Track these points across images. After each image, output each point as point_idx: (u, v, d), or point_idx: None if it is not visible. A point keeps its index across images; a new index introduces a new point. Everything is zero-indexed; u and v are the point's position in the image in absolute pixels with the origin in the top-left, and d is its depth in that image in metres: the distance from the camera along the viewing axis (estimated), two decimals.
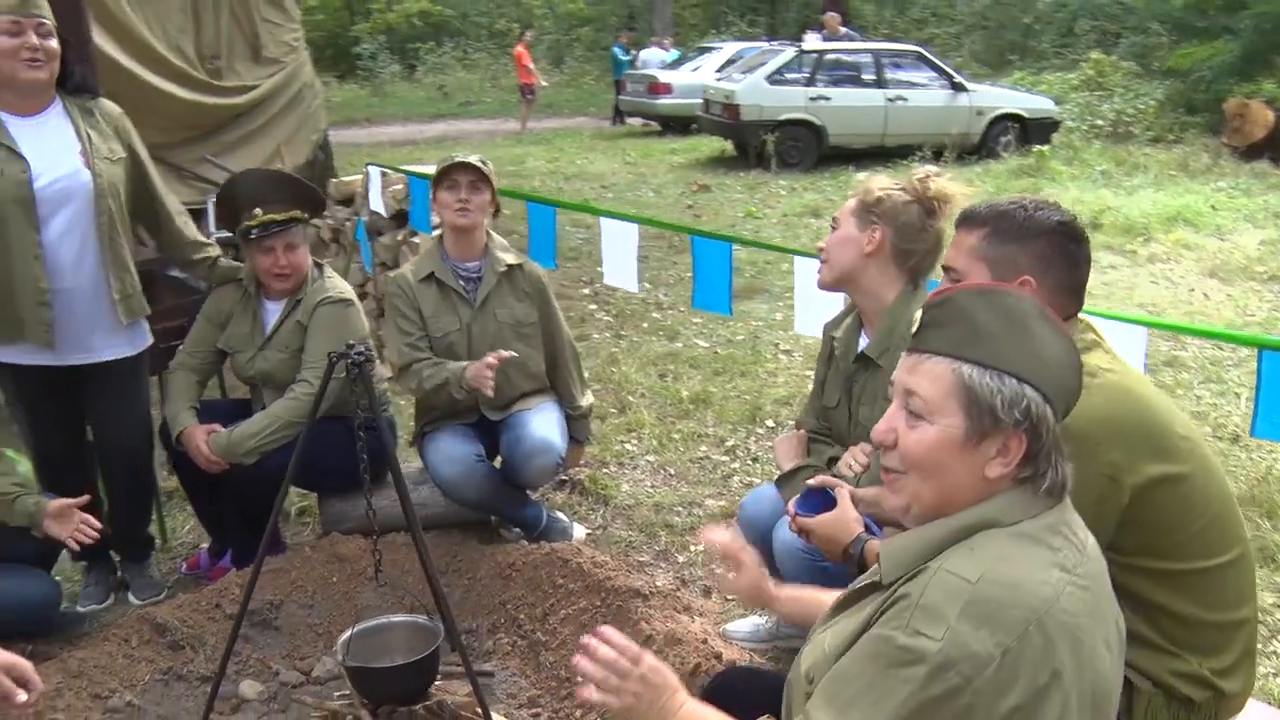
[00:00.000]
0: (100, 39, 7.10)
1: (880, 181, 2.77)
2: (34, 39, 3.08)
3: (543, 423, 3.64)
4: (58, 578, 3.78)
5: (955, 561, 1.42)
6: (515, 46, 19.64)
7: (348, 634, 2.82)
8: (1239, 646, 1.98)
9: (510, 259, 3.79)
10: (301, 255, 3.57)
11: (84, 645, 3.11)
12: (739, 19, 28.40)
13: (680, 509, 4.07)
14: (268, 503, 3.59)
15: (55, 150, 3.20)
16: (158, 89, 7.59)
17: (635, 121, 18.80)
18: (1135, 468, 1.88)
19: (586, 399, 3.97)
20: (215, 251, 3.76)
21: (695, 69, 17.51)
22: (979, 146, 13.10)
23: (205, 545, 3.88)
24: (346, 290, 3.70)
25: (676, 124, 17.04)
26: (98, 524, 3.15)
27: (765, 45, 15.80)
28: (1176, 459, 1.92)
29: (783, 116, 12.79)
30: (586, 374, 4.13)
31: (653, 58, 19.79)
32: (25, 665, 2.30)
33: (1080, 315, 2.07)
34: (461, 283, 3.74)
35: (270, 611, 3.37)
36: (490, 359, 3.42)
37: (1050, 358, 1.48)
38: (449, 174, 3.66)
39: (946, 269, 2.11)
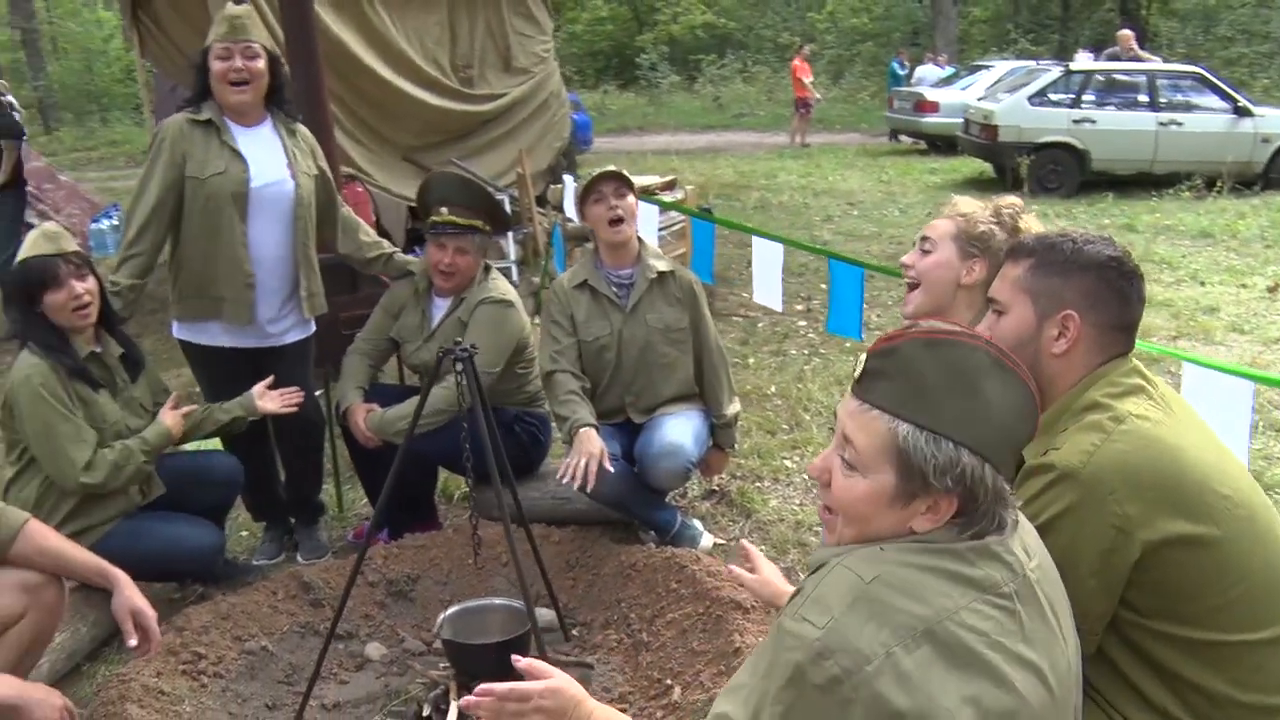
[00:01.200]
0: (361, 50, 7.77)
1: (973, 207, 2.70)
2: (239, 61, 3.49)
3: (678, 428, 3.75)
4: (244, 533, 4.24)
5: (856, 559, 1.44)
6: (793, 60, 19.69)
7: (448, 611, 3.04)
8: None
9: (662, 265, 3.92)
10: (468, 260, 3.81)
11: (240, 593, 3.46)
12: (1023, 36, 27.33)
13: (818, 529, 4.09)
14: (421, 482, 3.93)
15: (268, 158, 3.63)
16: (412, 96, 8.20)
17: (907, 139, 18.51)
18: (1151, 523, 1.76)
19: (733, 407, 4.05)
20: (389, 248, 4.07)
21: (965, 87, 17.05)
22: (1261, 176, 12.14)
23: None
24: (509, 292, 3.93)
25: (943, 143, 16.66)
26: (299, 396, 3.69)
27: (1033, 65, 15.20)
28: (1207, 519, 1.78)
29: (1043, 139, 12.30)
30: (772, 389, 4.18)
31: (927, 74, 19.44)
32: (151, 617, 2.62)
33: (1129, 359, 1.96)
34: (614, 289, 3.90)
35: (407, 584, 3.63)
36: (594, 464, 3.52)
37: (995, 417, 1.45)
38: (595, 185, 3.81)
39: (990, 300, 2.07)
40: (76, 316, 3.25)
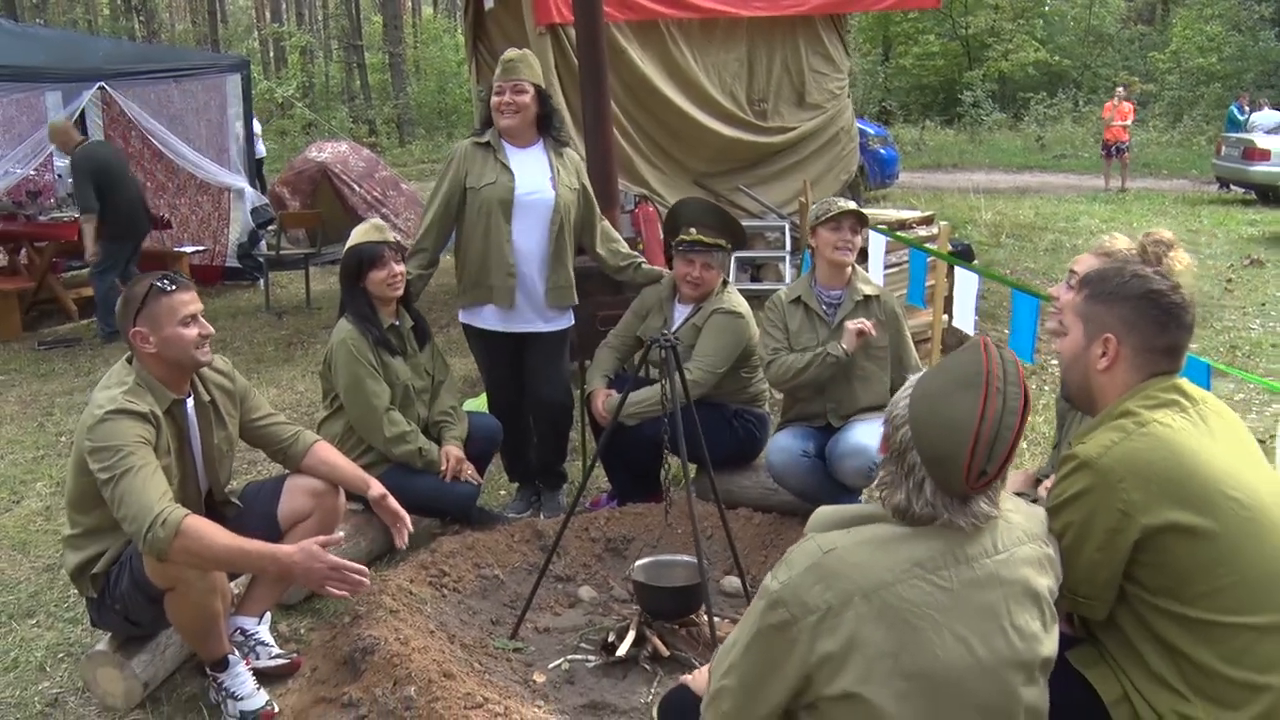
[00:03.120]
0: (663, 83, 8.55)
1: (1124, 244, 2.93)
2: (509, 96, 4.30)
3: (867, 431, 4.18)
4: (502, 491, 5.00)
5: (826, 535, 1.87)
6: (1112, 100, 19.05)
7: (642, 560, 3.65)
8: (1256, 709, 2.05)
9: (869, 289, 4.37)
10: (712, 274, 4.42)
11: (485, 532, 4.20)
12: None
13: None
14: (646, 461, 4.54)
15: (533, 172, 4.39)
16: (706, 126, 8.93)
17: (1238, 189, 17.47)
18: (1152, 509, 2.06)
19: None
20: (638, 259, 4.72)
21: None
22: None
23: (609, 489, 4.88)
24: (741, 305, 4.50)
25: (1273, 194, 15.72)
26: (477, 477, 4.33)
27: None
28: (1207, 514, 2.06)
29: None
30: None
31: (1265, 120, 18.23)
32: (364, 576, 3.12)
33: (1174, 377, 2.26)
34: (824, 307, 4.38)
35: (623, 543, 4.27)
36: (861, 327, 4.10)
37: (941, 417, 1.83)
38: (838, 218, 4.30)
39: (1058, 322, 2.44)
40: (390, 290, 4.19)
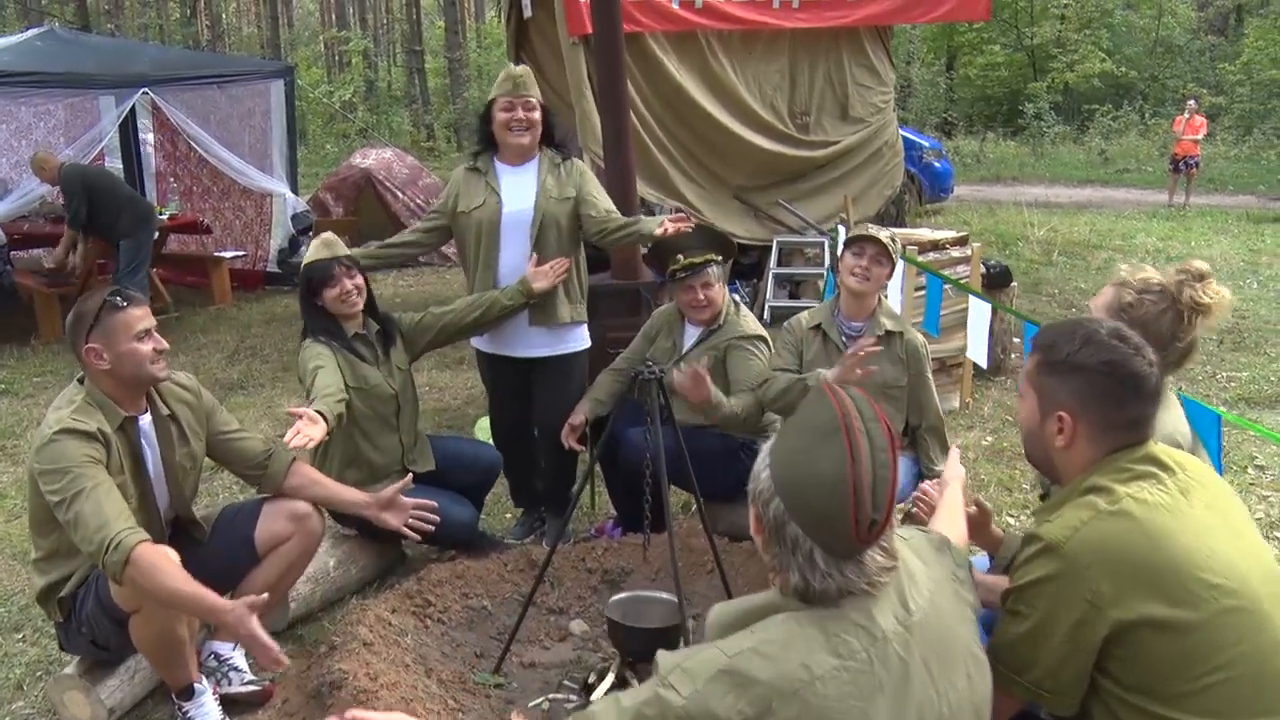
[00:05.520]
0: (701, 95, 8.44)
1: (1149, 273, 2.69)
2: (520, 113, 4.16)
3: None
4: (507, 515, 4.89)
5: (730, 639, 1.67)
6: (1183, 114, 18.53)
7: (620, 595, 3.52)
8: None
9: (891, 325, 4.19)
10: (714, 291, 4.28)
11: (478, 559, 4.09)
12: None
13: None
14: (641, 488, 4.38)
15: (521, 190, 4.28)
16: (746, 139, 8.78)
17: None
18: (1124, 602, 1.87)
19: (941, 465, 4.25)
20: (632, 220, 4.40)
21: None
22: None
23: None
24: (757, 327, 4.36)
25: None
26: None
27: None
28: (1186, 605, 1.86)
29: None
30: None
31: None
32: (279, 661, 3.02)
33: (1145, 445, 2.04)
34: (843, 338, 4.22)
35: (620, 575, 4.13)
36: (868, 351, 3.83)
37: (808, 473, 1.64)
38: (859, 241, 4.14)
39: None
40: (346, 306, 4.08)
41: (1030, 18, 31.18)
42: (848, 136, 9.36)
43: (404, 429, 4.24)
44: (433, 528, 3.70)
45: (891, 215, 9.75)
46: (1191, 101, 19.03)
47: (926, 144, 15.76)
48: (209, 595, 2.81)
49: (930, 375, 4.25)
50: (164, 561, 2.80)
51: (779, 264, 8.99)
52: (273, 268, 11.06)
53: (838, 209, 8.98)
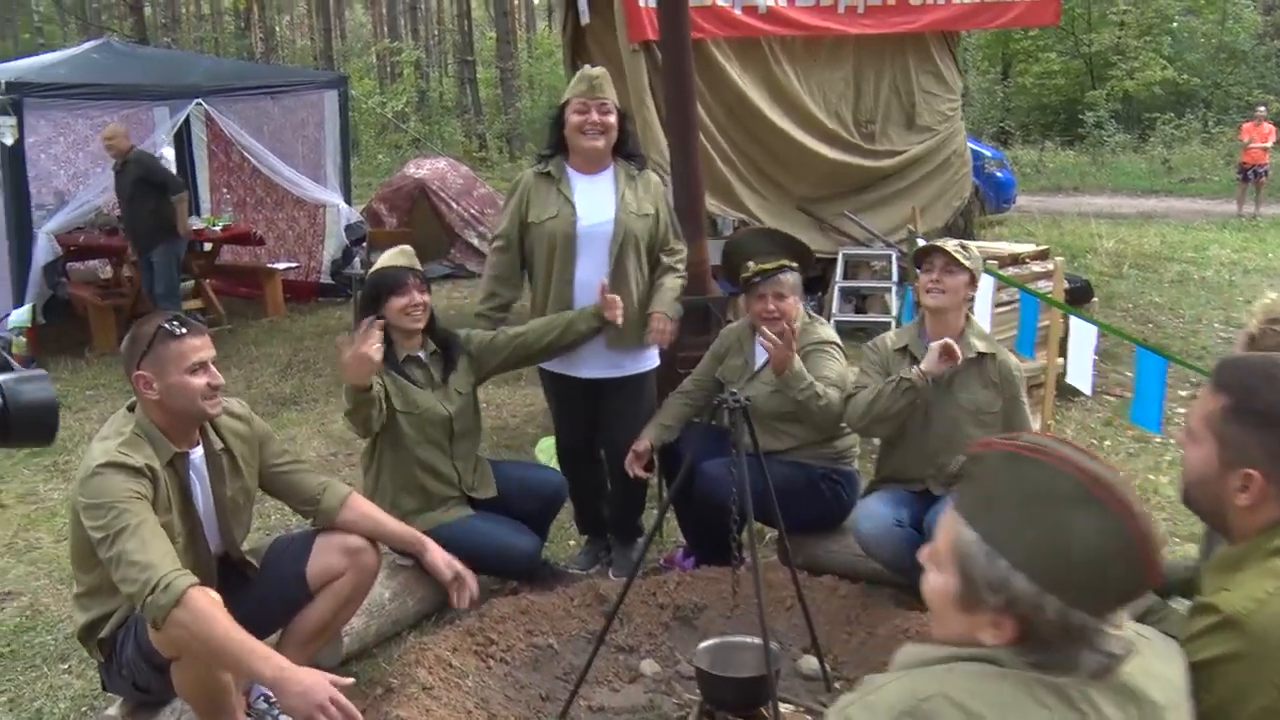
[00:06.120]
0: (764, 104, 8.20)
1: None
2: (595, 116, 3.93)
3: None
4: (570, 541, 4.66)
5: (923, 674, 1.42)
6: (1251, 121, 17.99)
7: (707, 642, 3.27)
8: None
9: (982, 346, 3.91)
10: (788, 303, 4.00)
11: (543, 594, 3.86)
12: None
13: None
14: (720, 520, 4.14)
15: (598, 201, 4.03)
16: (810, 148, 8.52)
17: None
18: None
19: None
20: (674, 280, 4.24)
21: None
22: None
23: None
24: (832, 334, 4.12)
25: None
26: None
27: None
28: None
29: None
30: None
31: None
32: (464, 568, 3.10)
33: None
34: None
35: (694, 611, 3.88)
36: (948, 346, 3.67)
37: (1074, 551, 1.37)
38: (926, 256, 3.89)
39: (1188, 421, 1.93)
40: (409, 320, 3.85)
41: (1088, 24, 30.62)
42: (914, 146, 9.08)
43: (460, 454, 4.01)
44: (466, 605, 3.44)
45: (959, 227, 9.42)
46: (1260, 109, 18.50)
47: (989, 153, 15.44)
48: (271, 654, 2.59)
49: (1025, 400, 3.97)
50: (216, 610, 2.59)
51: (844, 277, 8.72)
52: (326, 279, 10.95)
53: (904, 220, 8.68)
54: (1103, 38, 30.44)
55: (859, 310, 8.89)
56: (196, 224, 10.69)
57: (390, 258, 3.94)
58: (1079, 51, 31.12)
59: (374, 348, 3.49)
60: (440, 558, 3.34)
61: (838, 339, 4.14)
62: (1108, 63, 30.53)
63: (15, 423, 2.05)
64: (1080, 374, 3.88)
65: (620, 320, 3.91)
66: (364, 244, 10.53)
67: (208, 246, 10.70)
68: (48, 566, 4.61)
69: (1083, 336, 3.87)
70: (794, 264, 4.03)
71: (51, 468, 6.09)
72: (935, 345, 3.70)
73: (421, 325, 3.91)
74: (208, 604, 2.58)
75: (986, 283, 4.61)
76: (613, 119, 4.00)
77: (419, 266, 3.95)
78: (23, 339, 8.25)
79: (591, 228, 4.00)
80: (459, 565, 3.31)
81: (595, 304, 3.94)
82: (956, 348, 3.67)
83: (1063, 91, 32.09)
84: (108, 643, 2.90)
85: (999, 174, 15.44)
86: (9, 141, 8.33)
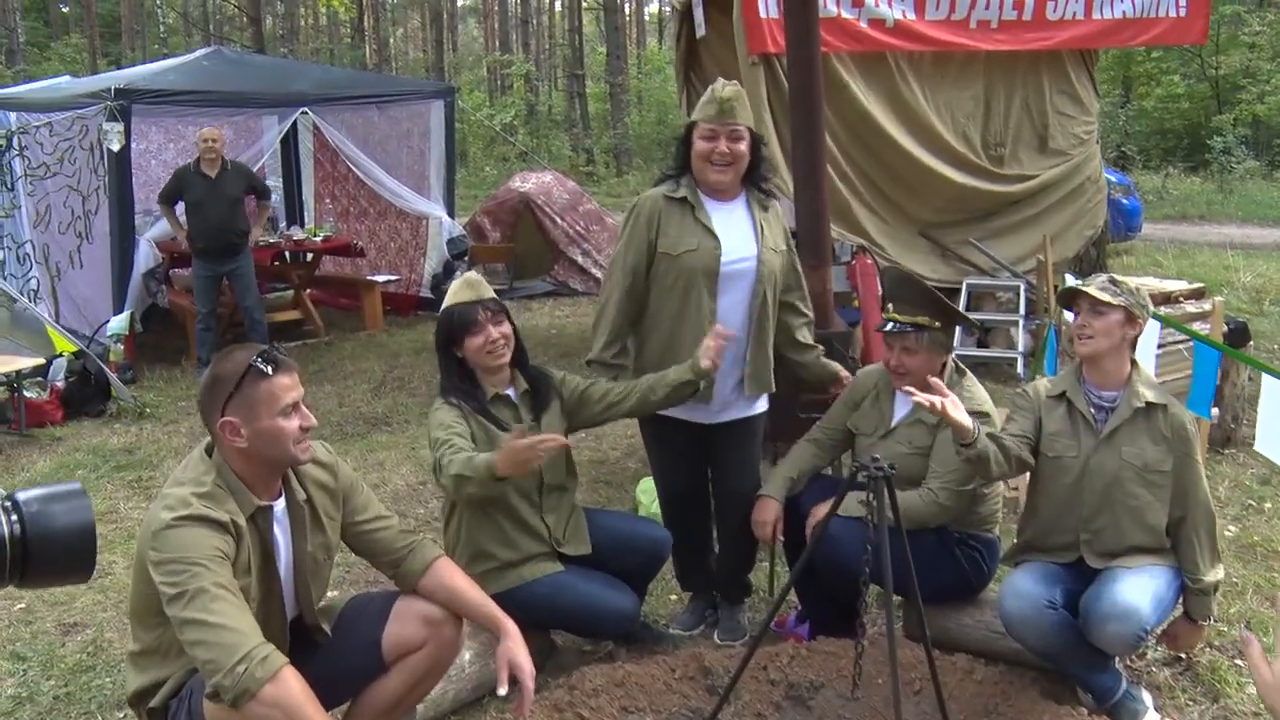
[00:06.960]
0: (888, 122, 7.75)
1: None
2: (724, 145, 3.53)
3: (1136, 586, 3.24)
4: (672, 596, 4.27)
5: None
6: None
7: None
8: None
9: (1152, 396, 3.43)
10: (917, 360, 3.55)
11: (640, 662, 3.47)
12: None
13: None
14: (844, 588, 3.70)
15: (739, 234, 3.63)
16: (935, 171, 8.02)
17: None
18: None
19: (1214, 574, 3.44)
20: (819, 350, 3.96)
21: None
22: None
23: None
24: (984, 402, 3.64)
25: None
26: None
27: None
28: None
29: None
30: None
31: None
32: (528, 674, 2.67)
33: None
34: (1093, 410, 3.47)
35: (809, 690, 3.44)
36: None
37: None
38: (1072, 300, 3.43)
39: None
40: (490, 358, 3.46)
41: (1215, 46, 29.38)
42: (1047, 170, 8.52)
43: (550, 507, 3.60)
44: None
45: (1092, 258, 8.83)
46: None
47: (1115, 179, 14.70)
48: None
49: (1200, 459, 3.46)
50: (307, 693, 2.29)
51: (968, 308, 8.18)
52: (425, 292, 10.74)
53: (1034, 249, 8.14)
54: (1232, 60, 29.27)
55: (981, 344, 8.34)
56: (298, 234, 10.60)
57: (457, 292, 3.55)
58: (1205, 74, 29.93)
59: (540, 454, 3.10)
60: (508, 655, 2.73)
61: (989, 407, 3.64)
62: (1236, 86, 29.34)
63: (37, 557, 1.58)
64: (1273, 441, 3.35)
65: (711, 365, 3.44)
66: (465, 258, 10.32)
67: (308, 257, 10.58)
68: (117, 595, 4.36)
69: (1275, 396, 3.33)
70: (934, 323, 3.57)
71: (135, 483, 5.90)
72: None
73: (507, 358, 3.53)
74: (301, 688, 2.29)
75: (1153, 328, 4.10)
76: (743, 147, 3.58)
77: (488, 295, 3.54)
78: (120, 347, 8.16)
79: (734, 263, 3.60)
80: (526, 674, 2.71)
81: (692, 360, 3.49)
82: (932, 396, 3.14)
83: (1186, 115, 30.94)
84: (159, 713, 2.58)
85: (1124, 200, 14.76)
86: (115, 147, 8.25)
